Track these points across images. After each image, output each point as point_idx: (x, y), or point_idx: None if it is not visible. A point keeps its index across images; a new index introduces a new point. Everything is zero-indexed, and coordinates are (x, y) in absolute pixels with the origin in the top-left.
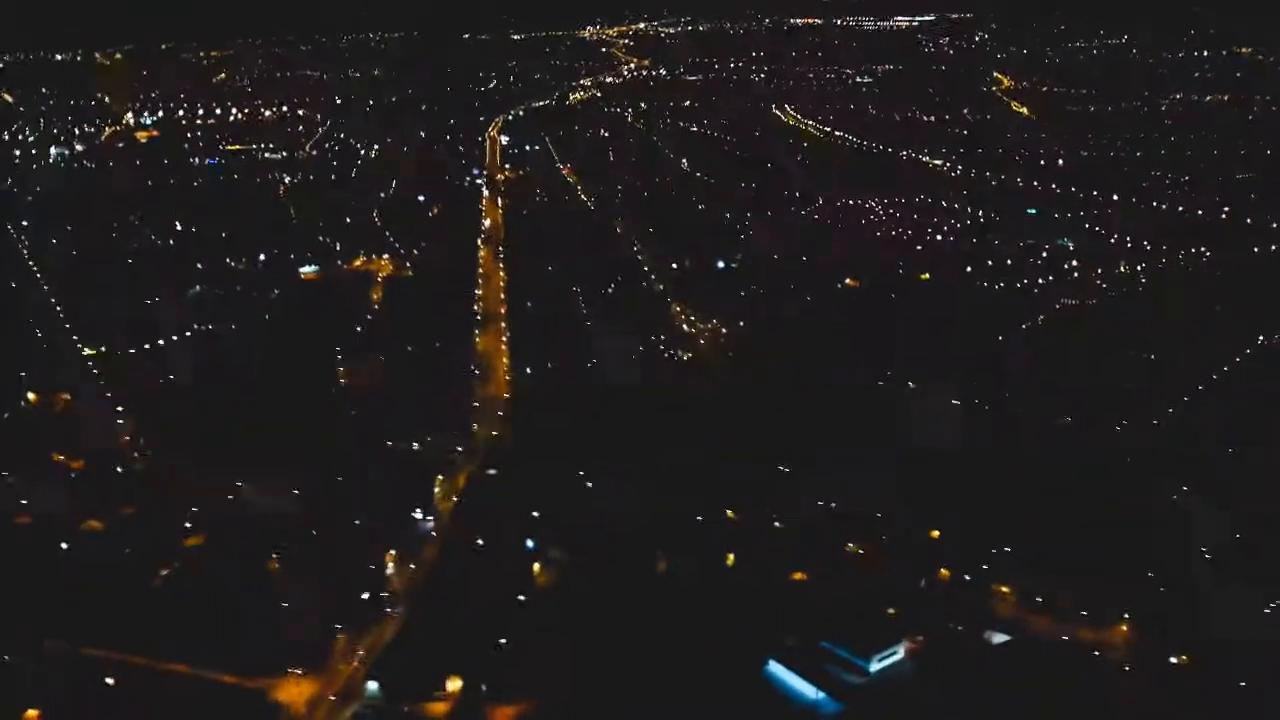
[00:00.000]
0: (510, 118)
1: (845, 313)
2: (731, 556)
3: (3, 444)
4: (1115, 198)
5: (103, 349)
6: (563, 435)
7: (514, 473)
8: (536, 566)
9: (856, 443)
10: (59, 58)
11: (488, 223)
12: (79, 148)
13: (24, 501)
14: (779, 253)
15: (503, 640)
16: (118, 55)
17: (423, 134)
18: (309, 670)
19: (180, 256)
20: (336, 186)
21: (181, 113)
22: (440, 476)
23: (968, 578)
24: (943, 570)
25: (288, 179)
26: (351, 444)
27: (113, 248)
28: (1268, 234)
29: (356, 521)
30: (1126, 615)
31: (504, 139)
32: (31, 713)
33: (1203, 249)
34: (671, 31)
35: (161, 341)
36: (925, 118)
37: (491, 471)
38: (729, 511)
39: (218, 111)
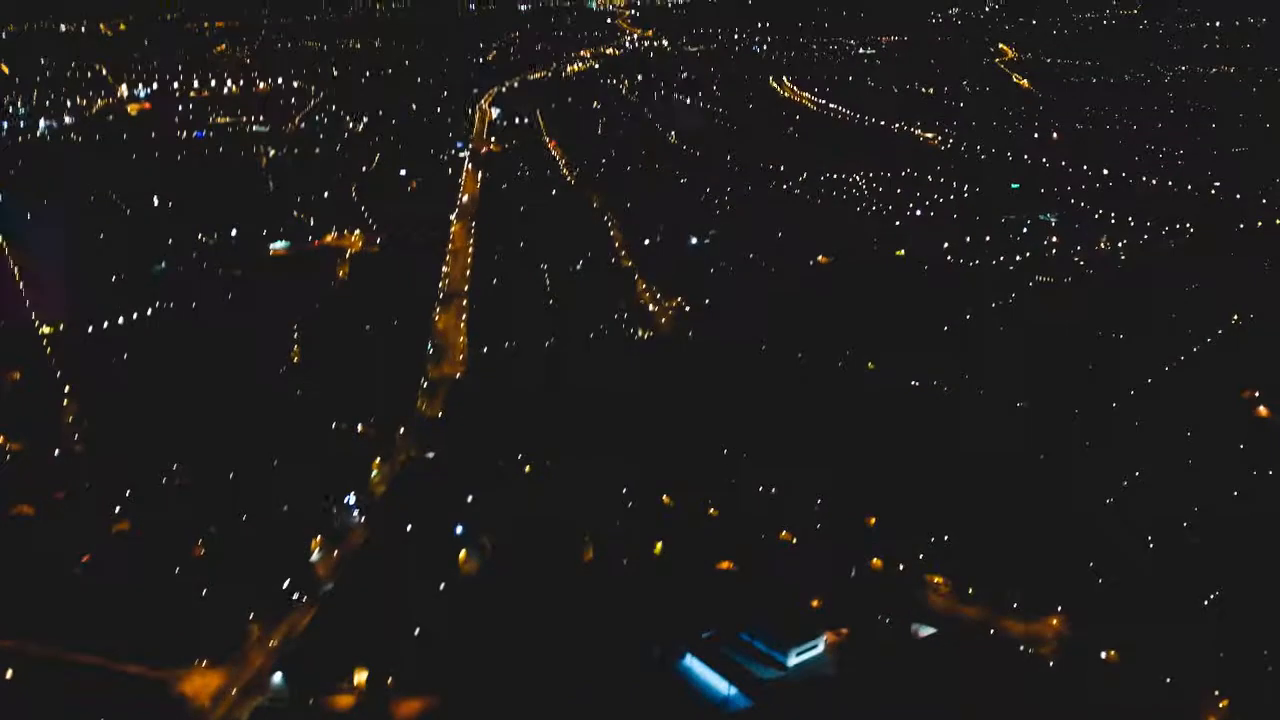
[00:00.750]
0: (503, 89)
1: (813, 290)
2: (659, 545)
3: None
4: (1105, 172)
5: (61, 326)
6: (509, 417)
7: (452, 456)
8: (463, 554)
9: (806, 427)
10: (63, 28)
11: (465, 198)
12: (68, 120)
13: None
14: (754, 229)
15: (418, 630)
16: (121, 25)
17: (414, 106)
18: (217, 661)
19: (152, 231)
20: (318, 159)
21: (177, 85)
22: (378, 459)
23: (902, 567)
24: (875, 560)
25: (272, 151)
26: (294, 426)
27: (83, 222)
28: (1257, 209)
29: (286, 507)
30: (1059, 608)
31: (495, 111)
32: None
33: (1187, 225)
34: (679, 1)
35: (121, 320)
36: (924, 89)
37: (430, 455)
38: (665, 497)
39: (213, 84)
